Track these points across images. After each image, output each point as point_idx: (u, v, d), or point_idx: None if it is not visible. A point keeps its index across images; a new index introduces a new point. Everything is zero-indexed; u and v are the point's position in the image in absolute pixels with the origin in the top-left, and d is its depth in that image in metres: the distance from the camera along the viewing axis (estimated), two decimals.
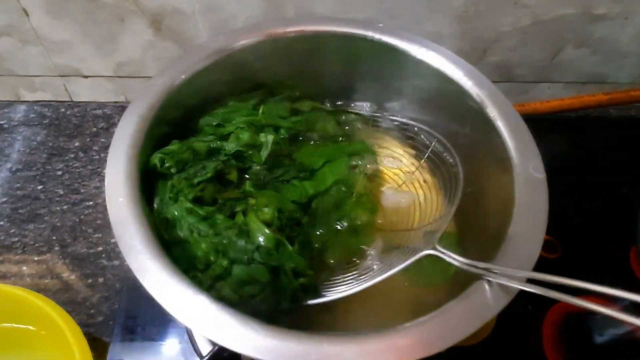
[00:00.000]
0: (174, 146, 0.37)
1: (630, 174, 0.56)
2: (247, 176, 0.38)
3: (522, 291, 0.24)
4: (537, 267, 0.48)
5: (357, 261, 0.37)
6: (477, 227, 0.37)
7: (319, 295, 0.33)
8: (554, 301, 0.45)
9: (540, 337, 0.44)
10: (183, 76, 0.38)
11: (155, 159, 0.35)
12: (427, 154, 0.43)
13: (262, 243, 0.31)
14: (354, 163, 0.42)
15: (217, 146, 0.38)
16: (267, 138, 0.39)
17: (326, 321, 0.35)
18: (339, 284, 0.34)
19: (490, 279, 0.27)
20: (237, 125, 0.39)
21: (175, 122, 0.40)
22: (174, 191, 0.34)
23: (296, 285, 0.31)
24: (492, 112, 0.37)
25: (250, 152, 0.39)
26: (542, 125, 0.61)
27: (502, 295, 0.26)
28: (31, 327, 0.44)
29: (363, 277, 0.34)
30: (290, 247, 0.31)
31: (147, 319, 0.47)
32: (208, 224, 0.32)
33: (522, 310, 0.45)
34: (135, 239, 0.28)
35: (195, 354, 0.41)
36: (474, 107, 0.38)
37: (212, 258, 0.31)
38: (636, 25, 0.59)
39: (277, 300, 0.31)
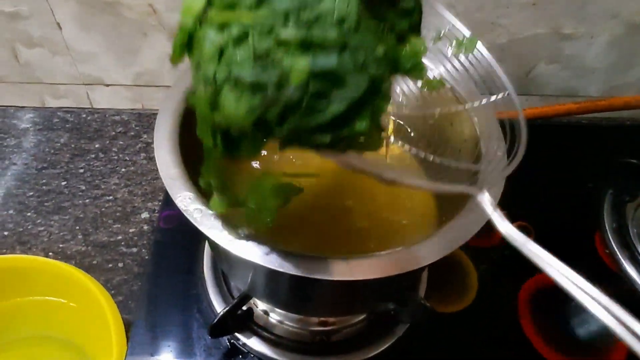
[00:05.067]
0: None
1: (595, 171, 0.64)
2: None
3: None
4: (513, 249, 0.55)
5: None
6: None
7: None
8: (528, 275, 0.51)
9: (516, 306, 0.50)
10: None
11: None
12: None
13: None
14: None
15: None
16: None
17: None
18: None
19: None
20: None
21: None
22: None
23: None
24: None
25: None
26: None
27: None
28: (62, 300, 0.48)
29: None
30: None
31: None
32: None
33: (499, 283, 0.53)
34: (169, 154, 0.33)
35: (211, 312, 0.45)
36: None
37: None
38: (600, 44, 0.67)
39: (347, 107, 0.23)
